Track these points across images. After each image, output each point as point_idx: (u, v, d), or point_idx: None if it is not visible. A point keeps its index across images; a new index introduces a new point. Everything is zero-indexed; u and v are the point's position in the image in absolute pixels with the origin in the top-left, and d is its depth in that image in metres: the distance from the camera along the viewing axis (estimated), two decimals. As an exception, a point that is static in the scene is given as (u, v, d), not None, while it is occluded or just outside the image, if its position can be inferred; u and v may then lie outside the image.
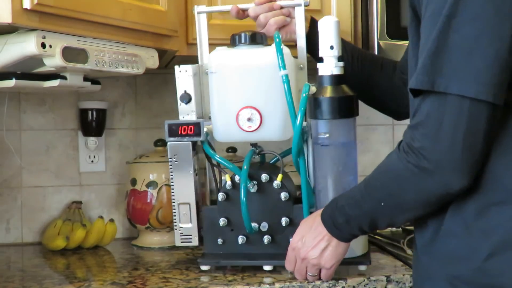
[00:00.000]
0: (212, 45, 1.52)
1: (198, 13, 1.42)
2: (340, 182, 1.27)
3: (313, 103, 1.25)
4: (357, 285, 1.25)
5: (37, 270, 1.41)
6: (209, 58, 1.36)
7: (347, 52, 1.39)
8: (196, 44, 1.55)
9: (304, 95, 1.24)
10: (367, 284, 1.26)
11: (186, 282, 1.26)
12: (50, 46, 1.21)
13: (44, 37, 1.20)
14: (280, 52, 1.26)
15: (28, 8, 1.15)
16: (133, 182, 1.68)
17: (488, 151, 0.96)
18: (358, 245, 1.30)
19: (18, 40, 1.20)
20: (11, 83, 1.33)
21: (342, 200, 1.13)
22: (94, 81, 1.50)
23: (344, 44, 1.38)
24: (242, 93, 1.31)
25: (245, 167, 1.30)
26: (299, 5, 1.34)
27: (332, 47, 1.24)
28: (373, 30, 1.58)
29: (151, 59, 1.46)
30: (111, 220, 1.69)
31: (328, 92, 1.24)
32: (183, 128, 1.37)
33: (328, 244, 1.16)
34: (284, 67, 1.25)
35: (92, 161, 1.80)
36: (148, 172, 1.66)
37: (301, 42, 1.35)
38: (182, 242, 1.38)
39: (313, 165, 1.32)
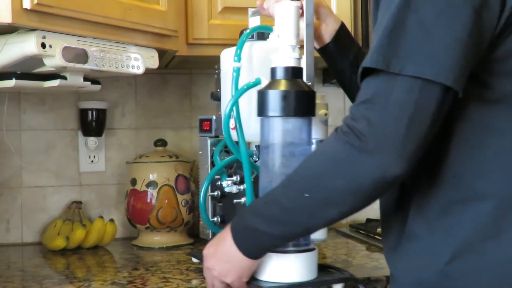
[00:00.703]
0: (212, 45, 1.53)
1: (252, 15, 1.33)
2: None
3: (260, 97, 1.08)
4: (357, 285, 1.25)
5: (37, 270, 1.41)
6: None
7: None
8: (195, 44, 1.56)
9: (245, 86, 1.14)
10: (367, 284, 1.26)
11: (186, 282, 1.26)
12: (50, 46, 1.21)
13: (44, 37, 1.20)
14: (240, 45, 1.18)
15: (28, 8, 1.15)
16: (133, 182, 1.68)
17: (450, 146, 0.92)
18: (304, 268, 1.12)
19: (18, 40, 1.20)
20: (11, 83, 1.33)
21: (257, 201, 1.03)
22: (94, 81, 1.50)
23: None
24: (231, 90, 1.22)
25: (216, 164, 1.27)
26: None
27: (294, 36, 1.09)
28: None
29: (151, 59, 1.46)
30: (111, 220, 1.69)
31: (278, 85, 1.07)
32: (204, 124, 1.39)
33: (232, 255, 1.04)
34: (239, 60, 1.16)
35: (92, 161, 1.80)
36: (148, 172, 1.66)
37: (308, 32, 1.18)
38: (201, 234, 1.41)
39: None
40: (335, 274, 1.17)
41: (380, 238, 1.63)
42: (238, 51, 1.18)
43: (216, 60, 1.36)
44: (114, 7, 1.32)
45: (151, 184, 1.66)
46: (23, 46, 1.20)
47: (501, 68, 0.89)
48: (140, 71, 1.43)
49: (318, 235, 1.19)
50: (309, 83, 1.14)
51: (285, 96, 1.06)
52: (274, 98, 1.06)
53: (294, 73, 1.08)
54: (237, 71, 1.17)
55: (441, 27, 0.84)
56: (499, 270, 0.90)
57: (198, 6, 1.54)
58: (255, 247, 1.03)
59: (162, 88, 1.87)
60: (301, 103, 1.07)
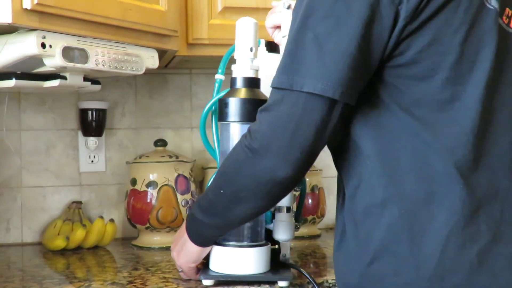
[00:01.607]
0: (212, 45, 1.53)
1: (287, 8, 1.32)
2: None
3: (221, 104, 1.20)
4: (357, 285, 1.25)
5: (37, 270, 1.41)
6: None
7: None
8: (195, 44, 1.56)
9: (216, 85, 1.27)
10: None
11: (186, 282, 1.26)
12: (50, 46, 1.21)
13: (44, 37, 1.20)
14: (224, 59, 1.29)
15: (28, 8, 1.15)
16: (133, 182, 1.68)
17: (370, 151, 0.95)
18: (255, 263, 1.20)
19: (18, 40, 1.20)
20: (11, 83, 1.33)
21: (203, 193, 1.13)
22: (94, 81, 1.50)
23: None
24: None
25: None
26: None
27: (251, 49, 1.20)
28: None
29: (151, 59, 1.46)
30: (111, 220, 1.69)
31: (238, 93, 1.19)
32: None
33: (184, 240, 1.16)
34: (222, 73, 1.28)
35: (92, 161, 1.80)
36: (148, 172, 1.66)
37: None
38: None
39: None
40: (283, 273, 1.21)
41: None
42: (222, 63, 1.29)
43: (216, 60, 1.36)
44: (114, 7, 1.32)
45: (151, 184, 1.65)
46: (23, 46, 1.20)
47: (410, 73, 0.92)
48: (140, 71, 1.43)
49: (283, 235, 1.22)
50: None
51: (244, 104, 1.17)
52: (233, 105, 1.17)
53: (251, 82, 1.19)
54: (219, 82, 1.29)
55: (332, 43, 0.90)
56: (413, 273, 0.91)
57: (198, 6, 1.54)
58: (197, 234, 1.14)
59: (162, 88, 1.87)
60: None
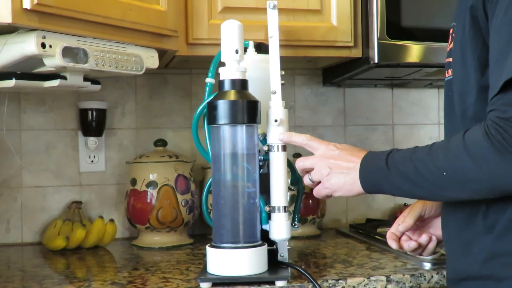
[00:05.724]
0: (212, 45, 1.52)
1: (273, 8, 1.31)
2: (235, 195, 1.21)
3: (209, 107, 1.20)
4: (357, 285, 1.25)
5: (37, 270, 1.41)
6: None
7: None
8: (195, 44, 1.55)
9: (207, 88, 1.28)
10: (367, 284, 1.26)
11: (186, 282, 1.26)
12: (50, 46, 1.22)
13: (44, 37, 1.20)
14: (214, 63, 1.29)
15: (28, 8, 1.15)
16: (133, 182, 1.68)
17: None
18: (255, 264, 1.20)
19: (18, 40, 1.20)
20: (11, 83, 1.33)
21: (396, 155, 1.04)
22: (94, 81, 1.50)
23: None
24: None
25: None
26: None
27: (237, 51, 1.20)
28: (373, 30, 1.58)
29: (151, 59, 1.46)
30: (111, 220, 1.69)
31: (226, 96, 1.18)
32: None
33: (349, 172, 1.09)
34: (212, 76, 1.29)
35: (92, 161, 1.80)
36: (148, 172, 1.66)
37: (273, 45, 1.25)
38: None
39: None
40: (281, 273, 1.21)
41: (380, 238, 1.63)
42: (212, 67, 1.30)
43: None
44: (114, 7, 1.32)
45: (151, 184, 1.65)
46: (23, 46, 1.20)
47: None
48: (140, 71, 1.43)
49: (279, 235, 1.21)
50: (274, 91, 1.22)
51: (233, 106, 1.17)
52: (222, 108, 1.17)
53: (240, 84, 1.20)
54: (210, 86, 1.29)
55: None
56: None
57: (198, 6, 1.54)
58: (374, 184, 1.07)
59: (162, 88, 1.87)
60: (247, 112, 1.18)
